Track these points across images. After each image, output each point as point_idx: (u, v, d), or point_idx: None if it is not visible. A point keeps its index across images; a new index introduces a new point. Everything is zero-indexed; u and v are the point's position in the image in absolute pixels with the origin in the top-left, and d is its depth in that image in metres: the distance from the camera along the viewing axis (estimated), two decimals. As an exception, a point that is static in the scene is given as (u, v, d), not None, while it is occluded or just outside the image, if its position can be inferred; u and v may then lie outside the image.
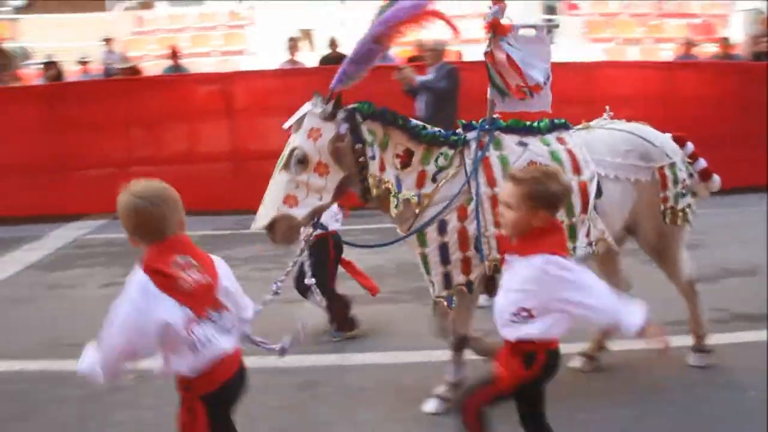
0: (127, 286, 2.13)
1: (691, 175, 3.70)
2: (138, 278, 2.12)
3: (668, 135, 3.72)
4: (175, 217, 2.21)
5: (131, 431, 3.43)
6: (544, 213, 2.37)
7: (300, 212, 3.04)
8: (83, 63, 10.46)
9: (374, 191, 3.21)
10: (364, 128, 3.18)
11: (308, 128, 3.09)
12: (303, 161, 3.05)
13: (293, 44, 9.87)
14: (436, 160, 3.28)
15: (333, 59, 8.98)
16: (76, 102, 8.16)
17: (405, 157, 3.27)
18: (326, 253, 4.27)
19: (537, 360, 2.37)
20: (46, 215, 8.12)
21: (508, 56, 3.32)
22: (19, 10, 13.73)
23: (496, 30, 3.34)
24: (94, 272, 6.15)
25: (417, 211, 3.24)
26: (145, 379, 3.37)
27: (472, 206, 3.22)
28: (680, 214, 3.60)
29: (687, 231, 3.73)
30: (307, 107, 3.15)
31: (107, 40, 11.19)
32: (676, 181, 3.57)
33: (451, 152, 3.30)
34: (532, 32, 3.50)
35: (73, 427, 3.45)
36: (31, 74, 10.96)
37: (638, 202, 3.55)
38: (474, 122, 3.42)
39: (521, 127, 3.46)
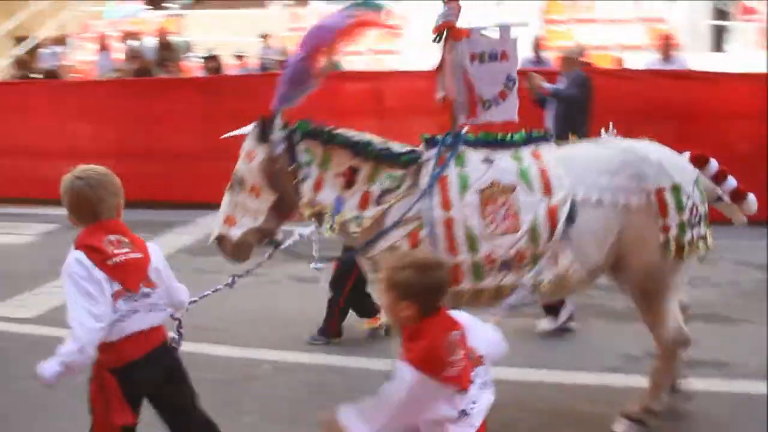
0: (65, 266, 2.31)
1: (719, 199, 3.28)
2: (74, 255, 2.31)
3: (674, 153, 3.22)
4: (113, 202, 2.40)
5: (263, 418, 3.51)
6: (408, 304, 2.10)
7: (236, 233, 3.12)
8: (240, 57, 11.03)
9: (306, 212, 3.18)
10: (302, 147, 3.17)
11: (246, 150, 3.19)
12: (240, 183, 3.15)
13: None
14: (383, 180, 3.12)
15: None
16: (232, 94, 8.59)
17: (349, 176, 3.15)
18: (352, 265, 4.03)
19: None
20: (197, 202, 8.62)
21: (462, 68, 3.17)
22: (185, 6, 14.73)
23: (450, 34, 3.15)
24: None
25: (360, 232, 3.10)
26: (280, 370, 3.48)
27: (423, 232, 3.01)
28: (688, 246, 3.06)
29: (683, 273, 3.19)
30: (248, 128, 3.22)
31: (264, 36, 11.74)
32: (680, 207, 3.04)
33: (399, 172, 3.13)
34: (496, 33, 3.27)
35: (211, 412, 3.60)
36: (192, 66, 11.72)
37: (627, 231, 3.06)
38: (439, 137, 3.19)
39: (491, 141, 3.20)
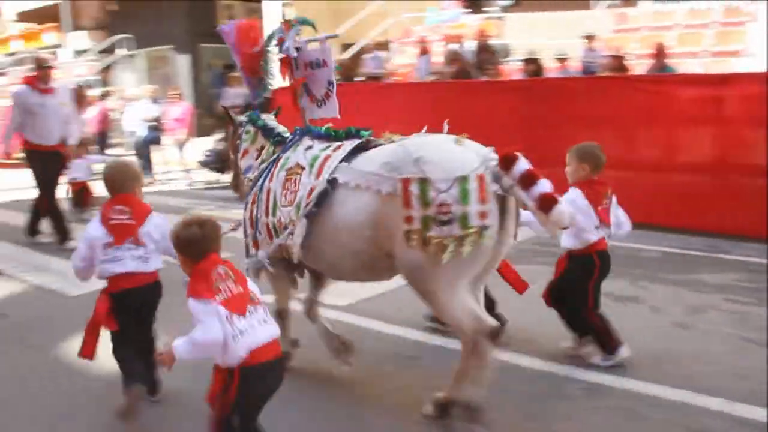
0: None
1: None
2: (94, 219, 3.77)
3: (461, 150, 3.32)
4: (130, 184, 3.76)
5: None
6: (182, 258, 2.98)
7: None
8: (562, 60, 11.04)
9: (232, 171, 4.88)
10: (244, 130, 4.60)
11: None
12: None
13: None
14: (266, 156, 4.34)
15: None
16: (552, 98, 8.66)
17: (260, 151, 4.44)
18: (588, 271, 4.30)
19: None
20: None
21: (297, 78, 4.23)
22: (505, 9, 15.13)
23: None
24: (543, 271, 6.42)
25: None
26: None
27: (257, 197, 4.06)
28: (433, 244, 3.14)
29: (461, 276, 3.28)
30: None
31: (588, 38, 11.62)
32: (426, 202, 3.15)
33: (271, 150, 4.34)
34: (316, 45, 4.16)
35: (518, 427, 3.65)
36: (512, 70, 12.02)
37: (381, 217, 3.37)
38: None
39: (323, 134, 4.02)
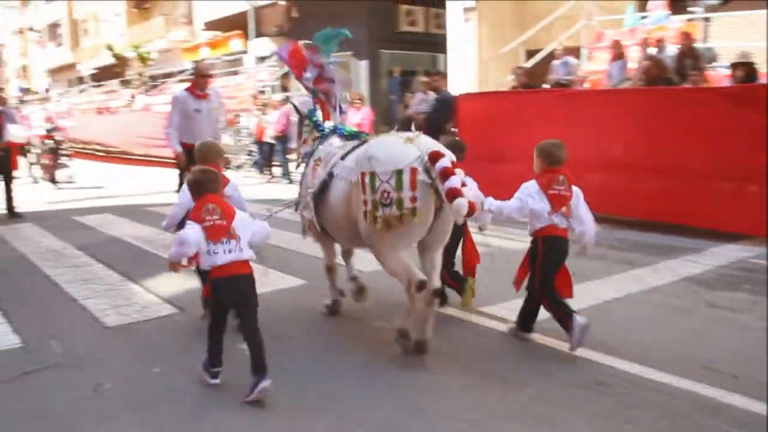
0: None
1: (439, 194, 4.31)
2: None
3: (403, 149, 4.46)
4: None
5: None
6: (191, 195, 4.39)
7: None
8: (778, 65, 10.28)
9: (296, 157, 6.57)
10: (305, 123, 5.97)
11: None
12: None
13: None
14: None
15: None
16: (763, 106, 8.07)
17: (314, 141, 5.72)
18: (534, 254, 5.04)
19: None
20: (707, 229, 8.39)
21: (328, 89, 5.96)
22: (711, 8, 14.25)
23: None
24: (758, 300, 6.00)
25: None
26: None
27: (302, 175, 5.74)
28: (377, 219, 4.38)
29: (401, 244, 4.56)
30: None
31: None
32: (374, 190, 4.38)
33: (316, 142, 5.67)
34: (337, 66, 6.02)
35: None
36: (718, 76, 11.35)
37: (351, 200, 4.71)
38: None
39: (345, 134, 5.47)
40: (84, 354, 5.09)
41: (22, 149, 18.83)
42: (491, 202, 5.02)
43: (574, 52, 14.28)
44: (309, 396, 4.29)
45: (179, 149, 8.72)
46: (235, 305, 4.25)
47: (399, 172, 4.31)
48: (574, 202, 4.93)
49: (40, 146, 17.30)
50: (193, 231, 4.09)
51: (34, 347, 5.26)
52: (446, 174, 4.20)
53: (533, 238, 4.99)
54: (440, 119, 11.32)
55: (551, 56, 14.36)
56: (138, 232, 9.88)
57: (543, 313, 5.06)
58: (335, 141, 5.39)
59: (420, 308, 4.59)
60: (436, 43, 21.55)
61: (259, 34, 24.23)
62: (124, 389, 4.46)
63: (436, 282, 4.79)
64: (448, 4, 18.29)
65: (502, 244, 7.82)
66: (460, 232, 5.30)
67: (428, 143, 4.51)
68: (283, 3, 24.65)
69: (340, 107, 5.90)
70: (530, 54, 15.55)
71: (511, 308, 5.70)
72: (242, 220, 4.24)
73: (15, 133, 19.07)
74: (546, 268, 4.92)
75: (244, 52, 26.62)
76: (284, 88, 21.80)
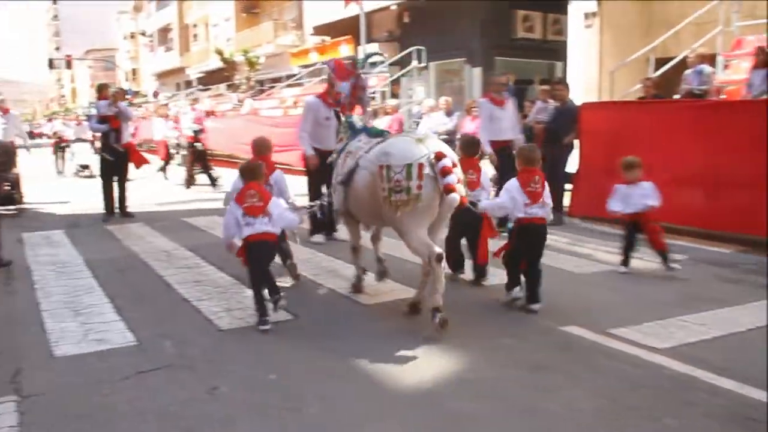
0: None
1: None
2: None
3: (413, 149, 5.62)
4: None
5: None
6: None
7: None
8: None
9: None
10: (342, 124, 7.17)
11: None
12: None
13: None
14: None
15: None
16: None
17: (343, 138, 7.00)
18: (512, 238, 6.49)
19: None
20: None
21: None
22: None
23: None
24: None
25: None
26: None
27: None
28: (392, 202, 5.57)
29: (415, 224, 5.61)
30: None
31: None
32: (389, 179, 5.55)
33: (347, 140, 6.84)
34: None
35: None
36: None
37: (374, 186, 5.78)
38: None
39: (370, 132, 6.60)
40: (198, 355, 5.19)
41: (168, 150, 19.73)
42: (484, 203, 6.52)
43: (709, 59, 13.66)
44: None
45: (311, 152, 9.16)
46: (260, 260, 5.86)
47: (409, 166, 5.50)
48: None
49: (186, 148, 17.74)
50: (230, 216, 5.85)
51: (148, 346, 5.40)
52: (445, 172, 5.46)
53: (514, 225, 6.34)
54: (560, 130, 11.06)
55: (682, 65, 13.81)
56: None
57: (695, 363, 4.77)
58: (363, 138, 6.51)
59: (438, 275, 5.56)
60: (553, 50, 21.26)
61: (369, 40, 24.43)
62: (241, 394, 4.49)
63: (439, 250, 5.75)
64: (569, 8, 17.95)
65: (639, 265, 7.58)
66: (476, 230, 6.68)
67: (435, 144, 5.74)
68: (395, 8, 24.82)
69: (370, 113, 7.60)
70: (659, 62, 15.01)
71: (643, 331, 5.49)
72: (277, 206, 5.95)
73: (165, 133, 19.96)
74: (520, 249, 6.31)
75: (354, 57, 26.95)
76: (394, 95, 21.91)
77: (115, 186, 12.12)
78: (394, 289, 6.87)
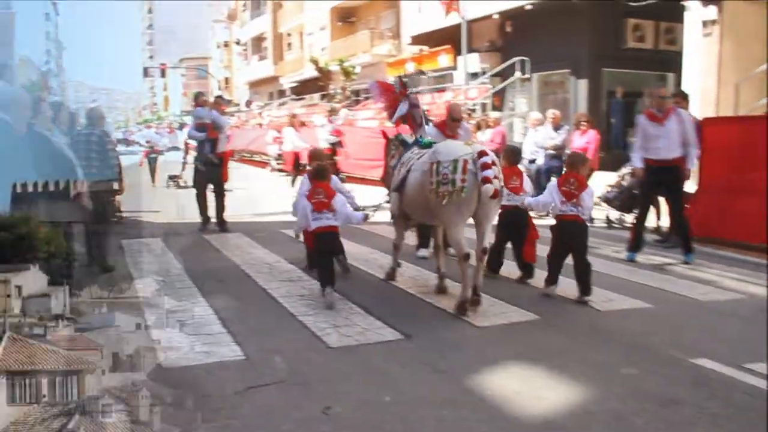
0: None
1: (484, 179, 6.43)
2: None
3: (462, 147, 6.77)
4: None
5: None
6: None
7: None
8: None
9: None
10: (392, 142, 8.41)
11: None
12: None
13: None
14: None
15: None
16: None
17: (400, 154, 8.04)
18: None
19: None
20: None
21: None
22: None
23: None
24: None
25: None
26: None
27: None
28: (439, 194, 6.54)
29: (457, 216, 6.64)
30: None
31: None
32: (438, 173, 6.54)
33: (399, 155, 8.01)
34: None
35: None
36: None
37: (423, 183, 6.83)
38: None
39: (422, 144, 7.75)
40: (308, 373, 5.21)
41: (297, 162, 18.92)
42: (529, 199, 7.95)
43: None
44: None
45: None
46: (324, 248, 7.14)
47: (455, 161, 6.50)
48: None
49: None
50: (302, 210, 7.34)
51: (256, 361, 5.45)
52: (484, 167, 6.40)
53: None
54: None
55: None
56: (350, 249, 10.08)
57: None
58: (415, 149, 7.63)
59: (466, 270, 6.67)
60: (665, 61, 20.65)
61: (470, 50, 24.34)
62: (356, 415, 4.48)
63: (486, 244, 6.94)
64: (685, 15, 17.40)
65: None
66: (520, 232, 8.10)
67: (479, 147, 6.80)
68: (497, 17, 24.65)
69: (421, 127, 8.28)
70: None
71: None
72: (341, 203, 7.22)
73: (297, 143, 19.65)
74: (554, 242, 7.51)
75: (453, 67, 26.90)
76: (495, 107, 21.73)
77: (211, 196, 12.36)
78: (505, 312, 6.77)
